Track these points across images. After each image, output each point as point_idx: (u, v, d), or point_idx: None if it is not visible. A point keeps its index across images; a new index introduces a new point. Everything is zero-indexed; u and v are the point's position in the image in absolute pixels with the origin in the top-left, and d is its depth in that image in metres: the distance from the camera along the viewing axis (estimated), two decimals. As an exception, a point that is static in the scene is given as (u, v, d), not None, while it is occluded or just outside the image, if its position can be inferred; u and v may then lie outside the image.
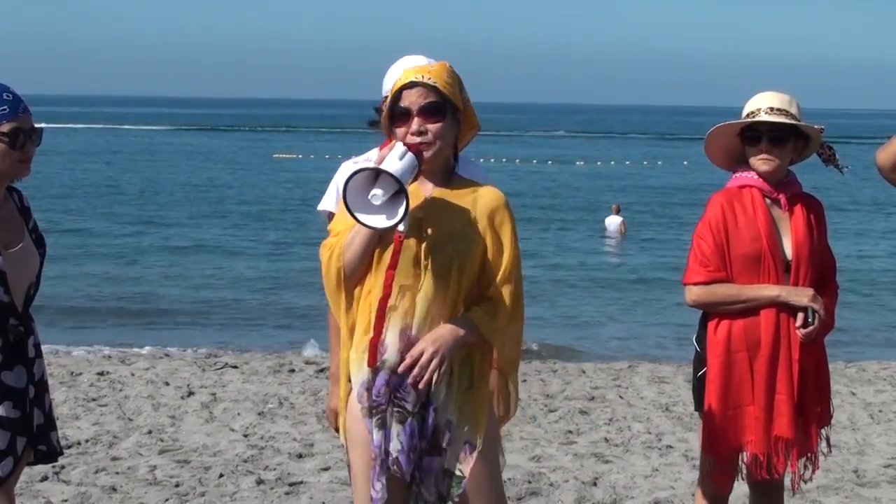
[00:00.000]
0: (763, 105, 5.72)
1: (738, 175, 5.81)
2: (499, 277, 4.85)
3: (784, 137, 5.69)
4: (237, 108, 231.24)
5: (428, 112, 4.80)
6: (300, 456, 9.31)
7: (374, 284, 4.81)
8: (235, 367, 13.36)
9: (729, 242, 5.68)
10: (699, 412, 5.88)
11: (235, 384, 12.25)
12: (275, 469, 8.91)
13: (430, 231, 4.76)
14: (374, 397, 4.78)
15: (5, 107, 5.12)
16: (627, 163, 59.30)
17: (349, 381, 4.92)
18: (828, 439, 5.92)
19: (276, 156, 66.09)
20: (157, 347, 16.01)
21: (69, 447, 9.15)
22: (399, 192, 4.61)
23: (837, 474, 8.91)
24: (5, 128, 5.12)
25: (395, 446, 4.78)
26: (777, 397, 5.67)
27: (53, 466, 8.34)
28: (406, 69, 4.92)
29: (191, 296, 21.28)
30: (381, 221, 4.61)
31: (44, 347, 5.60)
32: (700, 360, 5.84)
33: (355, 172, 4.61)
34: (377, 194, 4.60)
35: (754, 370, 5.68)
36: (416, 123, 4.79)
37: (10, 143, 5.13)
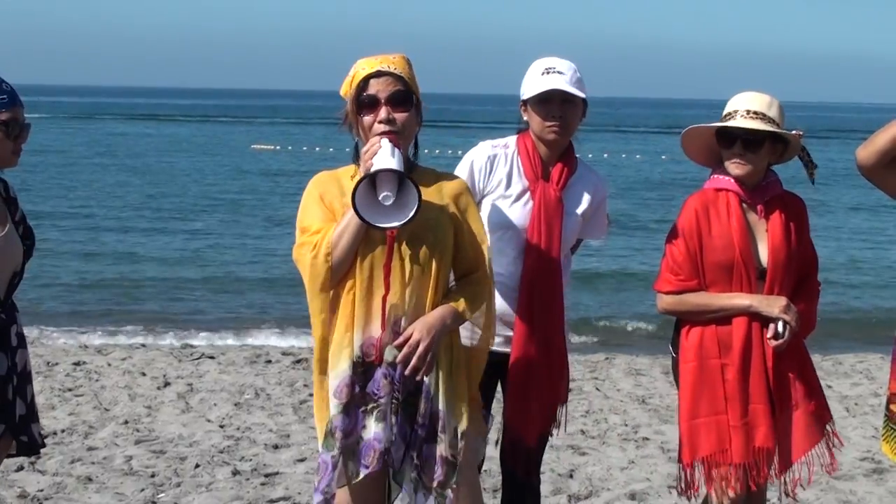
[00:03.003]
0: (741, 107, 5.57)
1: (715, 176, 5.68)
2: (475, 260, 4.98)
3: (759, 142, 5.52)
4: (211, 98, 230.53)
5: (396, 101, 4.84)
6: (276, 447, 9.30)
7: (357, 281, 4.84)
8: (212, 357, 13.33)
9: (702, 250, 5.55)
10: None
11: (212, 375, 12.23)
12: (251, 460, 8.90)
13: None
14: (373, 391, 4.84)
15: (4, 96, 5.19)
16: (605, 155, 59.15)
17: (325, 375, 4.95)
18: (836, 434, 5.79)
19: (254, 147, 65.86)
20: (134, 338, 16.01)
21: (45, 437, 9.10)
22: (403, 185, 4.64)
23: (813, 467, 8.91)
24: (3, 116, 5.18)
25: (388, 437, 4.82)
26: (752, 407, 5.54)
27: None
28: (368, 59, 4.94)
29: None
30: (398, 219, 4.67)
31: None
32: (677, 366, 5.74)
33: (358, 184, 4.64)
34: (388, 195, 4.64)
35: (726, 378, 5.55)
36: (384, 112, 4.82)
37: (7, 131, 5.20)
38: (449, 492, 4.91)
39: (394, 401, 4.83)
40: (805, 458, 5.72)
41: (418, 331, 4.80)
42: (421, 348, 4.78)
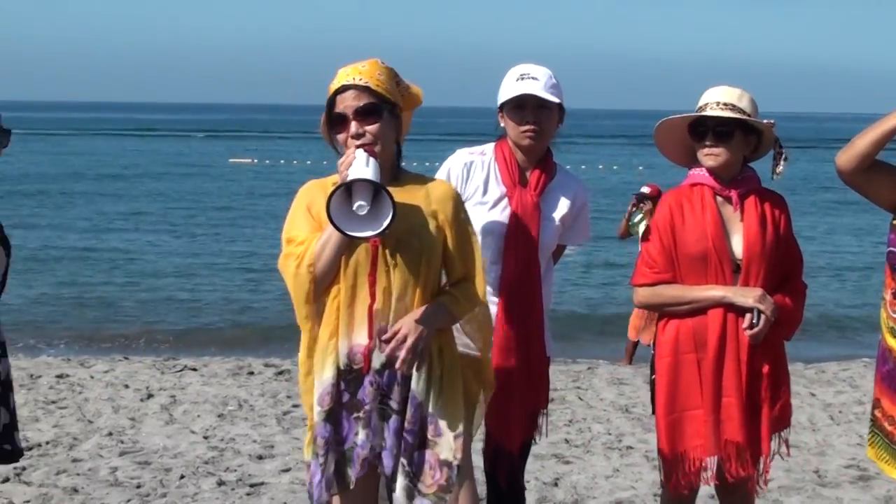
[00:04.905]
0: (711, 100, 5.61)
1: (692, 172, 5.71)
2: (468, 264, 4.98)
3: (729, 132, 5.55)
4: (188, 113, 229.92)
5: (363, 114, 4.84)
6: (260, 457, 9.29)
7: (342, 288, 4.84)
8: (195, 369, 13.31)
9: (676, 243, 5.58)
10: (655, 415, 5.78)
11: (195, 386, 12.21)
12: (235, 470, 8.89)
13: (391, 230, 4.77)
14: (362, 398, 4.83)
15: None
16: (583, 167, 59.14)
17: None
18: (786, 442, 5.75)
19: (232, 161, 65.77)
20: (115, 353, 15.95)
21: (29, 449, 9.10)
22: (378, 195, 4.65)
23: (798, 474, 8.94)
24: None
25: (373, 443, 4.83)
26: (724, 400, 5.54)
27: (15, 468, 8.32)
28: (343, 69, 4.94)
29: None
30: (373, 228, 4.66)
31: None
32: (654, 362, 5.78)
33: (332, 193, 4.64)
34: (362, 205, 4.63)
35: (702, 372, 5.56)
36: (353, 127, 4.83)
37: None
38: (447, 496, 4.92)
39: (382, 407, 4.84)
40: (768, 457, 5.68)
41: (406, 325, 4.79)
42: (408, 342, 4.77)
